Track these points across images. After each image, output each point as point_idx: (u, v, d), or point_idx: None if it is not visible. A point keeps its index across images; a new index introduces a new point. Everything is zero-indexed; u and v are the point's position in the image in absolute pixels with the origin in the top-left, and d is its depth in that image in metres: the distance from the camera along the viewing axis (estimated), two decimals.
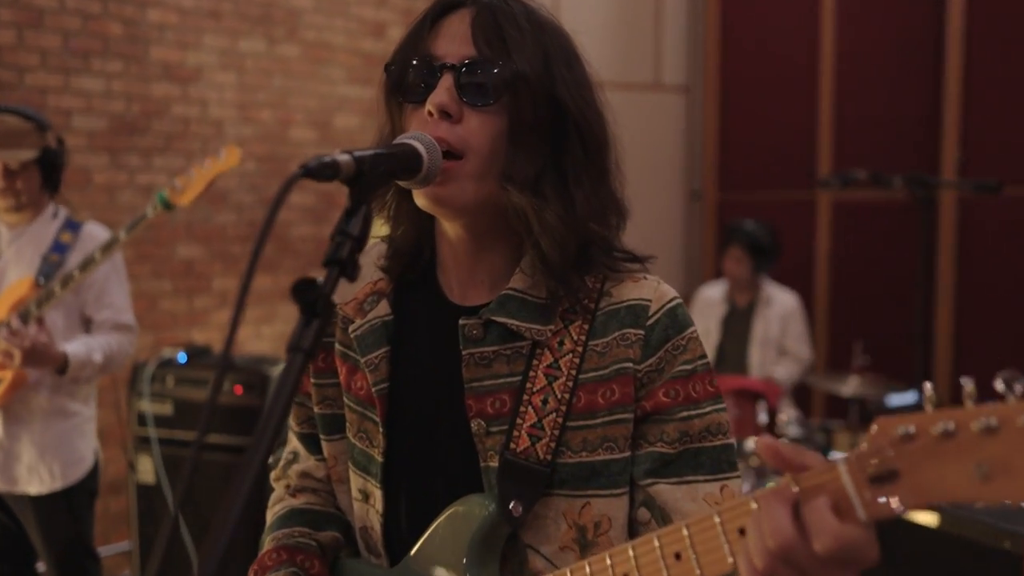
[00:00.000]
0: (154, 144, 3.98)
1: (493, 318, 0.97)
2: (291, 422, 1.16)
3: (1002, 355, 4.35)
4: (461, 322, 0.99)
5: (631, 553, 0.77)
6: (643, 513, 0.98)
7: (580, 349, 0.97)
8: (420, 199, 0.96)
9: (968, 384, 0.57)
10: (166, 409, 3.17)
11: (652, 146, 5.50)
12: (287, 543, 1.07)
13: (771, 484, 0.66)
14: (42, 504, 2.49)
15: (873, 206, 4.91)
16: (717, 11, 5.45)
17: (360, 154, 0.80)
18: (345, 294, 1.06)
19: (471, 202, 0.95)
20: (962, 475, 0.55)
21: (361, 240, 0.77)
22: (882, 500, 0.60)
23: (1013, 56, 4.49)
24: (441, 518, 1.00)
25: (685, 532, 0.72)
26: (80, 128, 3.74)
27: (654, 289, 1.00)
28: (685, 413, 0.96)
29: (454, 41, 0.96)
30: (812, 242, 5.14)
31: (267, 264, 4.43)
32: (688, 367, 0.97)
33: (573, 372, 0.96)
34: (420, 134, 0.91)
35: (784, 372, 3.94)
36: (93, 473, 2.60)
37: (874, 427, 0.60)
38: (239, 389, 3.12)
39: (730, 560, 0.69)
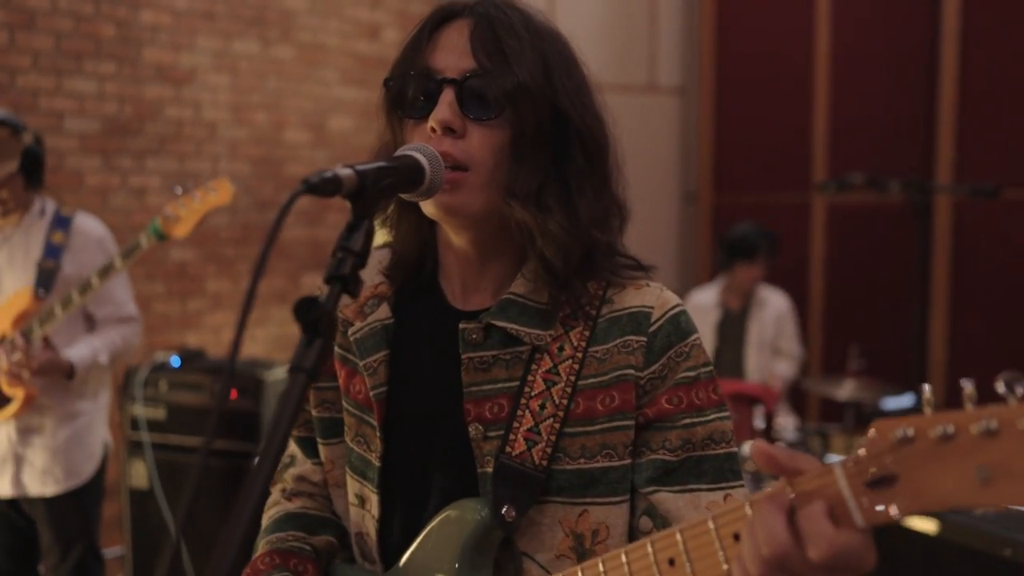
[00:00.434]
0: (147, 146, 3.96)
1: (493, 322, 0.97)
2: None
3: (997, 358, 4.35)
4: (461, 326, 0.98)
5: (624, 559, 0.76)
6: (645, 522, 0.97)
7: (580, 355, 0.96)
8: (429, 208, 0.95)
9: (968, 386, 0.55)
10: (159, 414, 3.15)
11: (647, 148, 5.51)
12: (281, 547, 1.06)
13: (767, 488, 0.65)
14: (55, 503, 2.52)
15: (868, 210, 4.91)
16: (712, 13, 5.46)
17: (363, 168, 0.79)
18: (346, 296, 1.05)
19: (479, 211, 0.95)
20: (962, 479, 0.54)
21: (363, 256, 0.76)
22: (880, 507, 0.59)
23: (1008, 60, 4.50)
24: (434, 523, 0.99)
25: (679, 537, 0.71)
26: (72, 130, 3.72)
27: (657, 296, 0.99)
28: (688, 420, 0.95)
29: (453, 54, 0.95)
30: (807, 245, 5.14)
31: None
32: (691, 374, 0.96)
33: (572, 378, 0.96)
34: (422, 145, 0.90)
35: (785, 368, 3.96)
36: (101, 468, 2.63)
37: (872, 430, 0.59)
38: (233, 393, 3.09)
39: (725, 567, 0.68)
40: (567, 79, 0.96)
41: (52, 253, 2.47)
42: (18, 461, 2.49)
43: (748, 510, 0.66)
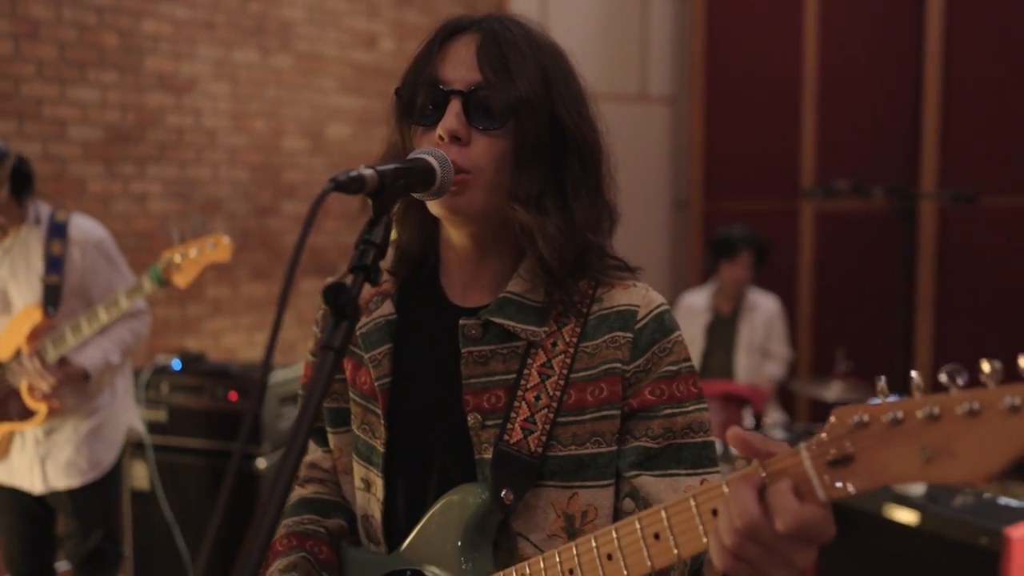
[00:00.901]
0: (148, 153, 4.02)
1: (491, 319, 1.04)
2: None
3: (980, 359, 4.44)
4: (461, 322, 1.05)
5: (614, 535, 0.83)
6: (628, 503, 1.04)
7: (572, 350, 1.03)
8: (435, 207, 1.02)
9: (916, 377, 0.63)
10: (160, 416, 3.19)
11: (639, 156, 5.58)
12: (297, 530, 1.13)
13: (742, 468, 0.72)
14: (78, 493, 2.59)
15: (855, 216, 5.00)
16: (702, 25, 5.54)
17: (382, 169, 0.86)
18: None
19: (480, 211, 1.01)
20: (908, 458, 0.61)
21: (383, 248, 0.83)
22: (839, 484, 0.66)
23: (990, 70, 4.61)
24: (436, 506, 1.05)
25: (663, 514, 0.79)
26: (75, 138, 3.78)
27: (643, 296, 1.06)
28: (669, 411, 1.02)
29: (461, 67, 1.02)
30: (796, 251, 5.23)
31: (260, 272, 4.47)
32: (673, 368, 1.03)
33: (564, 371, 1.02)
34: (433, 150, 0.97)
35: (774, 369, 4.02)
36: (121, 454, 2.70)
37: (832, 417, 0.67)
38: (234, 395, 3.14)
39: (704, 540, 0.75)
40: (565, 91, 1.03)
41: (54, 266, 2.48)
42: (44, 460, 2.56)
43: (725, 489, 0.74)
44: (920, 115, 4.77)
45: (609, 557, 0.84)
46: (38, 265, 2.50)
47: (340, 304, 0.78)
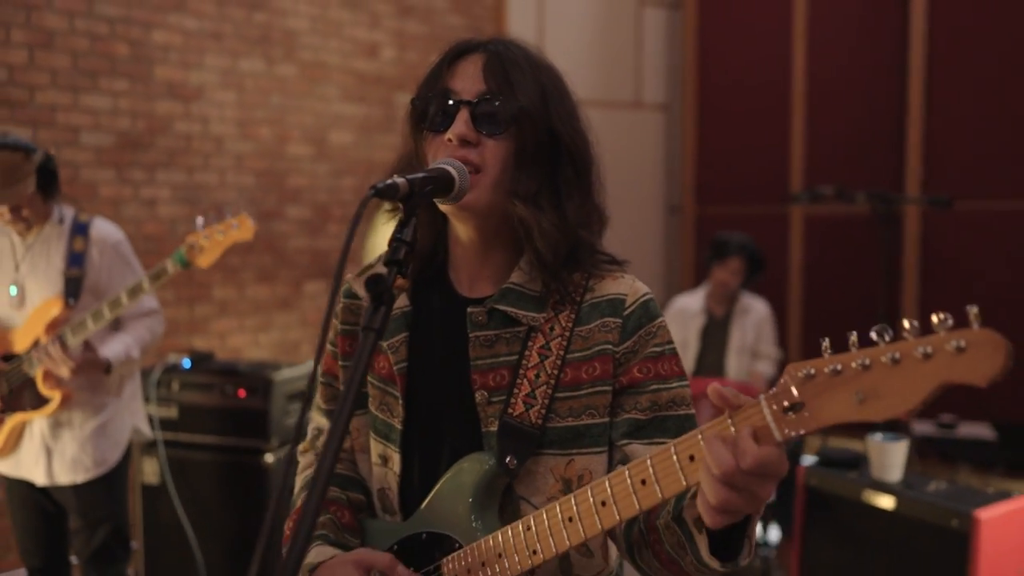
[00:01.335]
0: (158, 159, 4.12)
1: (496, 307, 1.16)
2: (319, 402, 1.34)
3: None
4: (469, 310, 1.18)
5: (607, 484, 0.96)
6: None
7: (567, 334, 1.16)
8: (444, 205, 1.15)
9: (853, 336, 0.77)
10: (171, 413, 3.25)
11: (633, 162, 5.69)
12: None
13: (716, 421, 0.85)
14: (83, 490, 2.64)
15: (841, 220, 5.13)
16: (694, 35, 5.68)
17: (411, 177, 1.00)
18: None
19: (485, 208, 1.14)
20: (846, 401, 0.75)
21: (412, 245, 0.96)
22: (791, 427, 0.80)
23: (971, 81, 4.76)
24: (448, 474, 1.18)
25: (649, 463, 0.92)
26: (88, 144, 3.89)
27: (630, 285, 1.19)
28: (655, 387, 1.15)
29: (469, 80, 1.15)
30: (786, 254, 5.36)
31: (264, 275, 4.57)
32: (658, 349, 1.16)
33: (561, 352, 1.15)
34: (452, 160, 1.10)
35: (765, 368, 4.13)
36: (127, 454, 2.75)
37: (786, 372, 0.80)
38: (242, 392, 3.21)
39: (684, 482, 0.89)
40: (560, 106, 1.17)
41: (75, 261, 2.58)
42: (49, 453, 2.61)
43: (699, 438, 0.87)
44: (904, 123, 4.92)
45: (603, 504, 0.96)
46: (58, 261, 2.59)
47: (379, 292, 0.91)
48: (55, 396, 2.55)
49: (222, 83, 4.32)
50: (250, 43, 4.42)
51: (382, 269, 0.95)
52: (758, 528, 2.42)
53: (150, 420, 3.21)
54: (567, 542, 1.00)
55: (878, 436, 2.50)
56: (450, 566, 1.13)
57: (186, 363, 3.35)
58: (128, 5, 3.98)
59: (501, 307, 1.16)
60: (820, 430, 0.78)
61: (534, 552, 1.04)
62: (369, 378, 1.25)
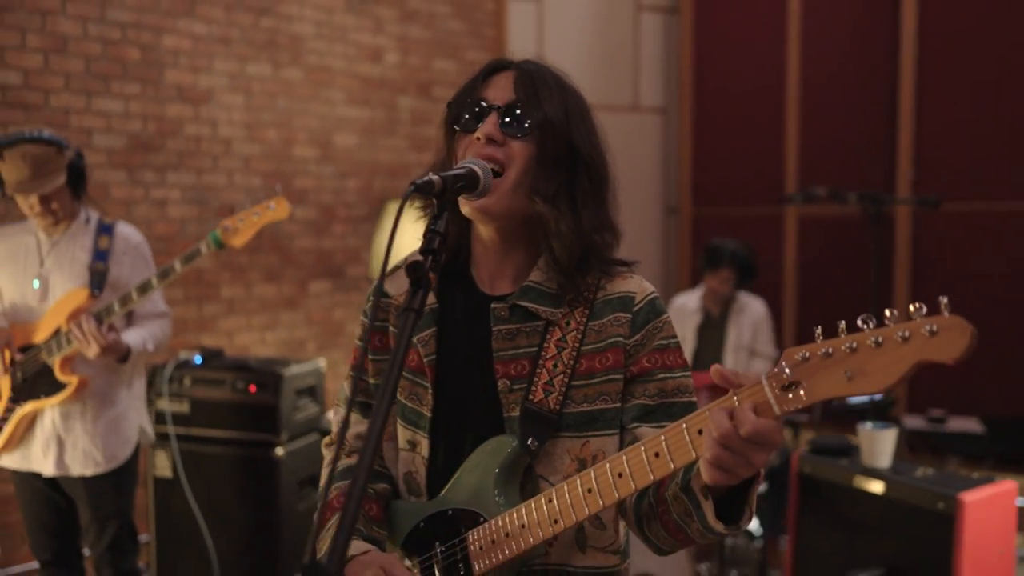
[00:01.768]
0: (168, 161, 4.20)
1: (517, 303, 1.28)
2: (348, 393, 1.43)
3: None
4: (492, 306, 1.29)
5: (624, 458, 1.07)
6: None
7: (582, 328, 1.27)
8: (465, 207, 1.26)
9: (841, 325, 0.88)
10: (183, 407, 3.32)
11: (631, 164, 5.79)
12: None
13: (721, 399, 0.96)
14: (93, 483, 2.71)
15: (835, 220, 5.25)
16: (691, 39, 5.79)
17: (444, 175, 1.11)
18: (400, 286, 1.36)
19: (505, 210, 1.25)
20: (836, 379, 0.86)
21: (446, 236, 1.07)
22: (788, 404, 0.91)
23: (960, 85, 4.88)
24: (474, 455, 1.28)
25: (662, 438, 1.03)
26: (100, 146, 3.96)
27: (638, 284, 1.31)
28: (662, 376, 1.27)
29: (500, 90, 1.27)
30: (781, 254, 5.47)
31: (270, 274, 4.65)
32: (664, 342, 1.28)
33: (576, 344, 1.26)
34: (478, 160, 1.21)
35: (761, 366, 4.23)
36: (136, 452, 2.83)
37: (784, 355, 0.91)
38: (253, 388, 3.30)
39: (693, 453, 1.00)
40: (581, 124, 1.28)
41: (100, 257, 2.69)
42: (60, 443, 2.67)
43: (708, 415, 0.98)
44: (895, 126, 5.04)
45: (620, 475, 1.07)
46: (83, 256, 2.69)
47: (418, 276, 1.01)
48: (72, 381, 2.61)
49: (230, 87, 4.40)
50: (257, 48, 4.50)
51: (419, 257, 1.05)
52: (753, 523, 2.53)
53: (162, 415, 3.30)
54: (586, 510, 1.11)
55: (868, 425, 2.61)
56: (475, 537, 1.24)
57: (197, 359, 3.43)
58: (139, 11, 4.06)
59: (522, 303, 1.27)
60: (815, 404, 0.89)
61: (555, 521, 1.15)
62: None
